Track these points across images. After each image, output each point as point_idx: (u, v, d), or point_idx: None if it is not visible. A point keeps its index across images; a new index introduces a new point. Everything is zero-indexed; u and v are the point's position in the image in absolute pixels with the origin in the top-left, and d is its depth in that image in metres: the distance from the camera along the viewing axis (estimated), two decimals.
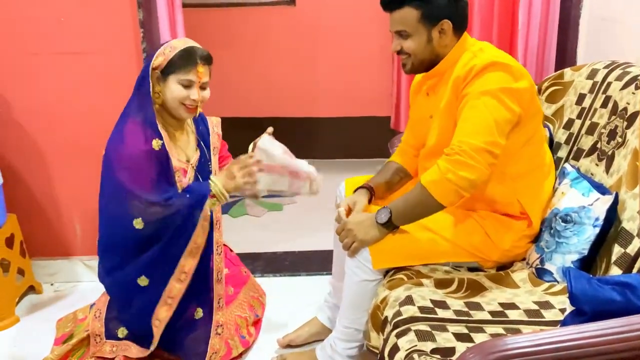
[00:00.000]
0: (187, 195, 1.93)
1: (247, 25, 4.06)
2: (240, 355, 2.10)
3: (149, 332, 1.97)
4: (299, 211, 3.47)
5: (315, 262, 2.76)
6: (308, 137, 4.26)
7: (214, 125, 2.22)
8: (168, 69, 1.89)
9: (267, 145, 1.95)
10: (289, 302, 2.45)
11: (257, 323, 2.27)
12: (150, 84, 1.89)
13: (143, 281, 1.94)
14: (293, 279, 2.67)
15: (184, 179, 2.00)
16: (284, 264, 2.78)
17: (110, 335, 2.01)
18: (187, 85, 1.90)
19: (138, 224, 1.88)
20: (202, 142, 2.12)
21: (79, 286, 2.64)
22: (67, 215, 2.60)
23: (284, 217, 3.39)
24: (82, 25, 2.37)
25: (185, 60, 1.89)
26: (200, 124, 2.15)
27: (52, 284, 2.65)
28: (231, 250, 2.39)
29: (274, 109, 4.17)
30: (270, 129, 2.01)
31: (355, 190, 1.94)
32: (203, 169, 2.09)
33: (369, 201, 1.90)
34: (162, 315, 1.96)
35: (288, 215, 3.43)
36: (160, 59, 1.89)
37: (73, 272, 2.66)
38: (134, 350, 1.99)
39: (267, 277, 2.65)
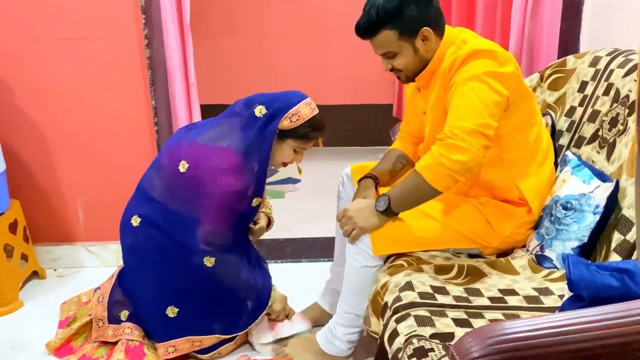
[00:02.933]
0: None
1: (250, 12, 4.05)
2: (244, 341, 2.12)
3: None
4: (301, 198, 3.48)
5: (316, 249, 2.78)
6: None
7: None
8: (289, 133, 1.92)
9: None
10: (291, 288, 2.44)
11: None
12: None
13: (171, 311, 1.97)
14: (294, 266, 2.69)
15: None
16: (285, 251, 2.79)
17: (113, 319, 2.02)
18: (299, 152, 1.97)
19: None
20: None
21: (82, 272, 2.66)
22: (70, 201, 2.62)
23: (286, 204, 3.40)
24: (84, 11, 2.37)
25: (312, 133, 1.95)
26: None
27: (55, 270, 2.67)
28: None
29: None
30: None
31: (359, 181, 1.94)
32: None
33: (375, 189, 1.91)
34: (181, 346, 1.98)
35: (290, 202, 3.44)
36: (285, 122, 1.90)
37: (76, 258, 2.68)
38: (137, 332, 2.00)
39: (269, 264, 2.65)
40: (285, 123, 1.90)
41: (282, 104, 1.91)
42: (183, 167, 1.89)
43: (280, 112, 1.90)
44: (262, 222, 2.17)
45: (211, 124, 1.97)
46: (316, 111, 1.95)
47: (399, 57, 1.76)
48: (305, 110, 1.92)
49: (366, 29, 1.73)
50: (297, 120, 1.90)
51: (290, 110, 1.90)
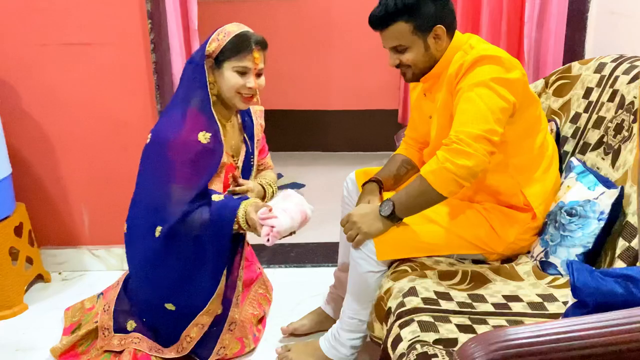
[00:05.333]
0: (209, 216, 1.85)
1: (255, 17, 4.06)
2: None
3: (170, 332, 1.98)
4: None
5: (320, 254, 2.78)
6: (316, 130, 4.27)
7: (257, 115, 2.14)
8: (222, 56, 1.83)
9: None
10: (294, 293, 2.46)
11: (263, 319, 2.27)
12: (207, 73, 1.84)
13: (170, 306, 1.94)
14: (298, 270, 2.68)
15: (231, 177, 1.99)
16: (289, 256, 2.79)
17: (119, 328, 2.00)
18: (243, 73, 1.84)
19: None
20: (246, 136, 2.07)
21: (86, 275, 2.67)
22: (75, 204, 2.63)
23: None
24: (90, 16, 2.39)
25: (240, 45, 1.82)
26: (245, 114, 2.09)
27: (60, 273, 2.68)
28: (248, 244, 2.36)
29: (282, 102, 4.18)
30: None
31: (363, 185, 1.94)
32: (246, 165, 2.07)
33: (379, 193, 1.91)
34: (194, 334, 1.96)
35: None
36: (214, 45, 1.83)
37: (81, 262, 2.69)
38: (145, 344, 1.97)
39: (273, 268, 2.67)
40: (213, 45, 1.83)
41: (211, 34, 1.87)
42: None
43: (206, 41, 1.86)
44: (250, 185, 2.03)
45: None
46: (245, 29, 1.87)
47: (409, 52, 1.76)
48: (231, 27, 1.86)
49: (381, 18, 1.73)
50: (224, 37, 1.83)
51: (216, 31, 1.86)
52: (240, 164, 2.04)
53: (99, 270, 2.68)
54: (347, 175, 2.10)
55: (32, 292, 2.54)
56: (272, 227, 1.83)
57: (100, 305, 2.09)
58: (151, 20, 2.39)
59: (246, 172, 2.07)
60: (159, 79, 2.46)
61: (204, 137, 1.84)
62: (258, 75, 1.88)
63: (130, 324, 2.00)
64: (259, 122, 2.13)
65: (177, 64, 2.42)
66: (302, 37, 4.10)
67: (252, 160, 2.07)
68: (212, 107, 1.86)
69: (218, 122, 1.88)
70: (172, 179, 1.86)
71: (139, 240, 1.94)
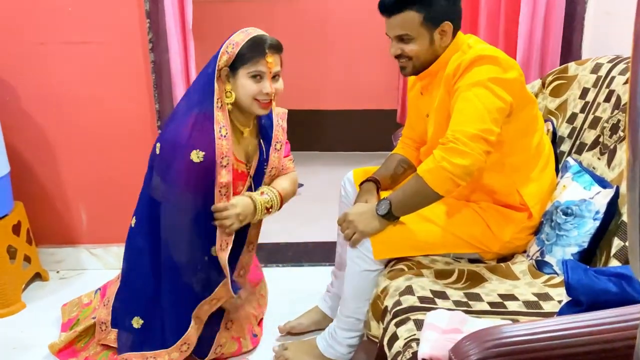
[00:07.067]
0: None
1: (253, 17, 4.07)
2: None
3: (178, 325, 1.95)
4: (303, 203, 3.47)
5: (317, 253, 2.78)
6: (314, 129, 4.27)
7: (280, 117, 2.07)
8: (237, 64, 1.80)
9: None
10: (291, 292, 2.46)
11: (261, 321, 2.27)
12: (216, 87, 1.81)
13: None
14: (295, 270, 2.69)
15: (241, 187, 1.95)
16: (287, 255, 2.80)
17: (116, 324, 2.00)
18: (259, 78, 1.81)
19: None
20: (262, 140, 2.01)
21: (84, 274, 2.67)
22: (73, 203, 2.63)
23: (287, 208, 3.37)
24: (89, 15, 2.39)
25: (252, 51, 1.79)
26: (264, 117, 2.02)
27: (57, 272, 2.69)
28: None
29: (280, 101, 4.17)
30: None
31: (361, 184, 1.95)
32: (259, 171, 2.01)
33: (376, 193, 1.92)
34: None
35: (292, 206, 3.41)
36: (224, 58, 1.81)
37: (79, 260, 2.69)
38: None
39: (270, 268, 2.68)
40: (224, 58, 1.81)
41: (219, 49, 1.85)
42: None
43: (217, 54, 1.84)
44: (233, 201, 1.89)
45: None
46: (253, 34, 1.83)
47: (414, 43, 1.76)
48: (238, 37, 1.83)
49: (393, 4, 1.73)
50: (234, 48, 1.81)
51: (224, 45, 1.83)
52: (252, 171, 1.99)
53: (96, 269, 2.68)
54: (345, 174, 2.10)
55: (30, 290, 2.54)
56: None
57: (97, 300, 2.10)
58: (149, 19, 2.39)
59: (258, 179, 2.01)
60: (157, 78, 2.47)
61: (196, 156, 1.80)
62: (274, 79, 1.85)
63: (137, 321, 1.96)
64: (280, 124, 2.06)
65: (176, 64, 2.42)
66: (300, 37, 4.10)
67: (265, 166, 2.01)
68: (216, 115, 1.82)
69: (229, 129, 1.83)
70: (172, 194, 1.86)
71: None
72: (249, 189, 1.98)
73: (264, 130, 2.02)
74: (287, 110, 2.10)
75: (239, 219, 1.87)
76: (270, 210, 1.98)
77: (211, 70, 1.83)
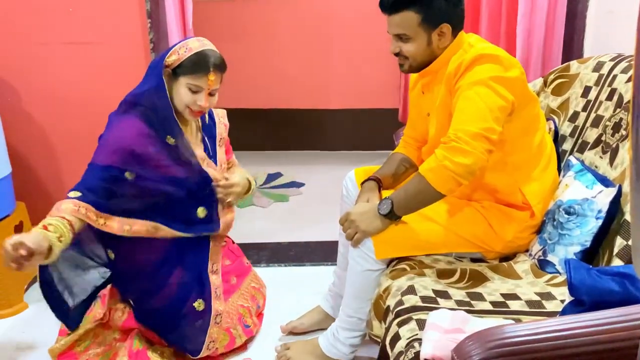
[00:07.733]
0: None
1: (255, 16, 4.07)
2: (245, 344, 2.11)
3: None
4: (305, 202, 3.48)
5: (319, 253, 2.78)
6: (316, 128, 4.27)
7: (220, 116, 2.18)
8: (179, 70, 1.85)
9: None
10: (294, 291, 2.46)
11: (259, 314, 2.27)
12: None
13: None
14: (298, 269, 2.69)
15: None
16: (288, 254, 2.80)
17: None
18: (196, 91, 1.86)
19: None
20: (205, 137, 2.08)
21: None
22: None
23: (290, 208, 3.41)
24: (90, 15, 2.40)
25: (197, 65, 1.84)
26: (205, 116, 2.11)
27: None
28: (233, 242, 2.36)
29: (282, 101, 4.19)
30: None
31: (362, 183, 1.95)
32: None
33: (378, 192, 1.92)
34: None
35: (293, 206, 3.44)
36: (173, 57, 1.85)
37: None
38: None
39: (272, 267, 2.68)
40: (173, 57, 1.85)
41: (175, 45, 1.90)
42: None
43: (169, 49, 1.87)
44: (236, 179, 2.07)
45: None
46: (208, 47, 1.89)
47: (411, 43, 1.76)
48: (193, 44, 1.87)
49: (393, 2, 1.74)
50: (185, 52, 1.84)
51: (179, 44, 1.88)
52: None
53: None
54: (347, 174, 2.10)
55: (32, 291, 2.53)
56: None
57: (98, 307, 2.09)
58: (151, 19, 2.39)
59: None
60: None
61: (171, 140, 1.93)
62: (211, 94, 1.91)
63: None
64: (222, 122, 2.15)
65: None
66: (301, 36, 4.10)
67: (215, 162, 2.09)
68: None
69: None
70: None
71: None
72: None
73: (207, 129, 2.10)
74: (225, 111, 2.20)
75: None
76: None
77: (160, 64, 1.87)
